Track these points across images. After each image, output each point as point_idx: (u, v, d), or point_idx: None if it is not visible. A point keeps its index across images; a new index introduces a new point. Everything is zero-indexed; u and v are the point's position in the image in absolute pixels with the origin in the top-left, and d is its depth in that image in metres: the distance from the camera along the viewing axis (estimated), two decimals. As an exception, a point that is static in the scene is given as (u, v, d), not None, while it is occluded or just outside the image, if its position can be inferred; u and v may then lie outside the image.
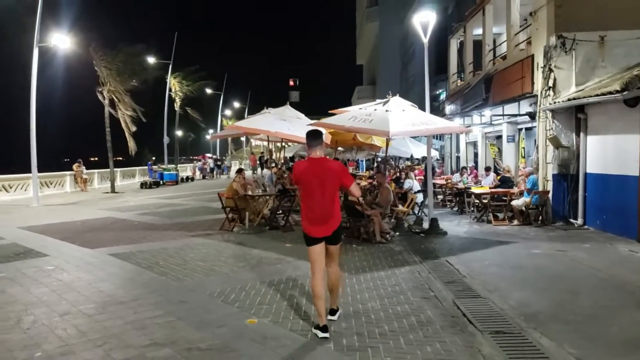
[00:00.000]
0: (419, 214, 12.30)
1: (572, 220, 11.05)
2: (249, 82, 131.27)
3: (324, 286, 4.61)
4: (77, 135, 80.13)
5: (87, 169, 26.15)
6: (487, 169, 14.41)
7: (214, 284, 6.34)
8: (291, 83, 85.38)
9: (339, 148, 19.33)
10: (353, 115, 9.69)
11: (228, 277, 6.69)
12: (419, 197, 12.47)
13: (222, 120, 55.57)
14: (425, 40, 10.64)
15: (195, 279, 6.60)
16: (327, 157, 5.12)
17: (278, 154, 17.63)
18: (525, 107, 12.78)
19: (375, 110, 9.74)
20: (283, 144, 15.21)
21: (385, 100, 10.11)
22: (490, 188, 12.52)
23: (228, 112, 60.76)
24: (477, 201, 12.36)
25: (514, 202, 11.31)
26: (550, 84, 11.10)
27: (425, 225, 10.69)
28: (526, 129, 14.01)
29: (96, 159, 43.10)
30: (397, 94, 10.32)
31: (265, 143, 19.95)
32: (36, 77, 17.31)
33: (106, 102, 22.97)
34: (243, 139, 74.95)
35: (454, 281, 6.53)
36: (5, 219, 13.51)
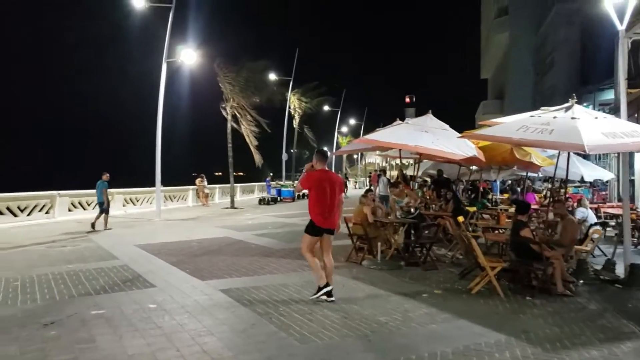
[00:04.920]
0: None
1: None
2: (364, 98, 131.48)
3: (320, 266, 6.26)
4: (205, 150, 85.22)
5: (211, 183, 26.49)
6: (689, 198, 10.99)
7: (352, 353, 4.57)
8: (407, 100, 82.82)
9: (472, 167, 16.69)
10: (523, 125, 7.44)
11: (369, 343, 4.84)
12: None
13: (338, 137, 54.89)
14: (622, 27, 8.06)
15: (325, 341, 4.87)
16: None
17: (406, 172, 15.68)
18: None
19: (555, 117, 7.42)
20: (417, 161, 13.17)
21: (566, 105, 7.71)
22: None
23: (344, 129, 60.08)
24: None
25: None
26: None
27: (619, 271, 7.98)
28: None
29: (220, 174, 44.52)
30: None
31: (379, 159, 18.04)
32: (164, 92, 17.42)
33: (229, 117, 22.88)
34: (356, 156, 74.01)
35: None
36: (127, 234, 13.22)
